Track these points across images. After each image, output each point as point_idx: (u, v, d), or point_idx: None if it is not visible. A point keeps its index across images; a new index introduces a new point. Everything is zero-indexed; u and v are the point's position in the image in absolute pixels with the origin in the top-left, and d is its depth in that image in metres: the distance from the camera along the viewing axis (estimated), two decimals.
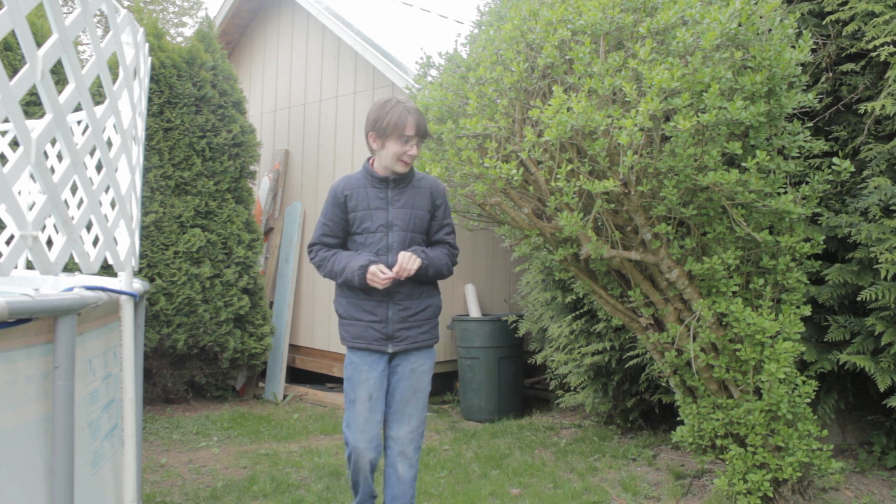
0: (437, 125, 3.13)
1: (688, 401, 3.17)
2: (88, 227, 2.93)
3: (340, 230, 2.72)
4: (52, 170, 2.39)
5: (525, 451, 4.40)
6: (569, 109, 2.60)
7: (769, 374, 2.83)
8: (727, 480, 3.00)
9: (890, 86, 3.10)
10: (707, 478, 3.61)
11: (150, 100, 5.35)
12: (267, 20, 7.34)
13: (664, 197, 2.75)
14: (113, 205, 2.62)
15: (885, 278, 3.06)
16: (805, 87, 3.24)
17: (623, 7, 2.72)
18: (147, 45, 3.01)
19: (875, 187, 3.13)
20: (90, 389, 1.97)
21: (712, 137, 2.69)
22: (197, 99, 5.61)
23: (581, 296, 4.37)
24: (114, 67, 2.72)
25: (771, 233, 2.94)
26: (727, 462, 3.02)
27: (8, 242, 3.38)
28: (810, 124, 3.26)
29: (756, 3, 2.67)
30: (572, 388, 4.99)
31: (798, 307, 2.94)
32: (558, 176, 2.77)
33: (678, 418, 3.29)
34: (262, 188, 6.94)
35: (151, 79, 5.37)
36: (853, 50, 3.37)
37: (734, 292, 2.95)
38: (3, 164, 1.75)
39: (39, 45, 1.83)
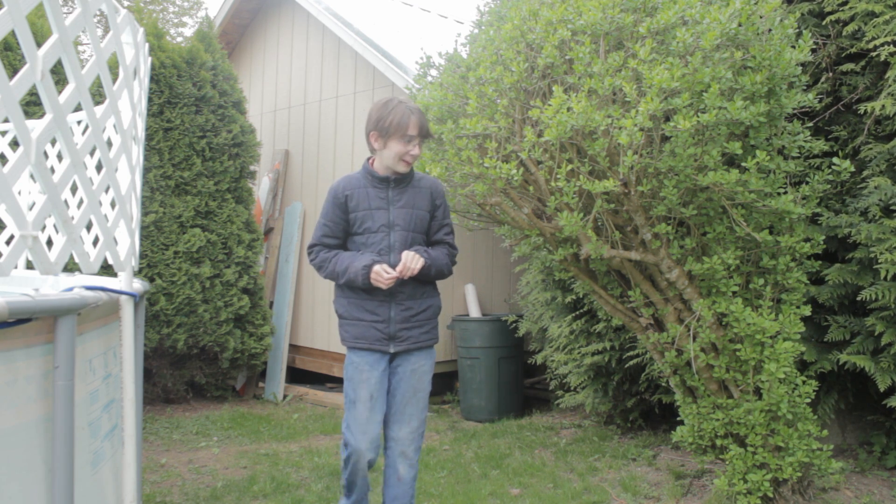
0: (437, 125, 3.13)
1: (688, 401, 3.17)
2: (88, 227, 2.93)
3: (341, 231, 2.71)
4: (52, 170, 2.39)
5: (525, 451, 4.40)
6: (569, 109, 2.60)
7: (769, 374, 2.83)
8: (727, 480, 3.00)
9: (890, 86, 3.10)
10: (707, 478, 3.61)
11: (150, 100, 5.35)
12: (267, 20, 7.34)
13: (664, 197, 2.75)
14: (113, 205, 2.62)
15: (885, 278, 3.06)
16: (805, 87, 3.24)
17: (623, 7, 2.72)
18: (147, 45, 3.01)
19: (875, 187, 3.13)
20: (90, 389, 1.97)
21: (712, 137, 2.69)
22: (197, 99, 5.61)
23: (581, 296, 4.37)
24: (114, 67, 2.72)
25: (771, 233, 2.94)
26: (727, 462, 3.02)
27: (8, 242, 3.38)
28: (810, 124, 3.26)
29: (756, 3, 2.67)
30: (572, 388, 4.99)
31: (798, 307, 2.94)
32: (558, 176, 2.77)
33: (678, 418, 3.29)
34: (262, 188, 6.94)
35: (151, 79, 5.37)
36: (853, 50, 3.37)
37: (734, 292, 2.95)
38: (3, 164, 1.75)
39: (39, 45, 1.83)
